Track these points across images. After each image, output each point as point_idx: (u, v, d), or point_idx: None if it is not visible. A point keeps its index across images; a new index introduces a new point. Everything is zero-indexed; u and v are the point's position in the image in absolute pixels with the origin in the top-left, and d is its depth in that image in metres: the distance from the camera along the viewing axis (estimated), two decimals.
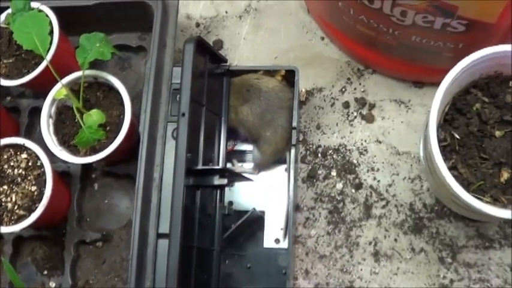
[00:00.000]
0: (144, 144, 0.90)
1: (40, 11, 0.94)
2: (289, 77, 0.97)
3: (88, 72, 0.92)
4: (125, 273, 0.99)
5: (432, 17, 0.85)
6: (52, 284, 1.00)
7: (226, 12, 1.09)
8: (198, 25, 1.06)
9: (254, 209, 0.95)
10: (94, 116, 0.90)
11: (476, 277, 0.95)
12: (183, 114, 0.86)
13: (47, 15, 0.93)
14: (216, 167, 0.91)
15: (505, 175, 0.83)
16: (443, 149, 0.83)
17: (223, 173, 0.87)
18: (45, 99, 0.97)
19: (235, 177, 0.89)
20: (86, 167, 1.00)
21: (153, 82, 0.92)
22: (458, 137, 0.84)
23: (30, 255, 1.02)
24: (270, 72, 0.97)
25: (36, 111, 1.04)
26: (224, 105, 0.95)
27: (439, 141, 0.83)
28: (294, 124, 0.93)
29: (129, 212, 1.01)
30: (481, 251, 0.95)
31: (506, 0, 0.80)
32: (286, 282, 0.93)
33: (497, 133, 0.85)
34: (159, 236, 0.88)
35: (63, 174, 0.99)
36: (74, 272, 0.97)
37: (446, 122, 0.85)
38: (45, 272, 1.01)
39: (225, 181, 0.87)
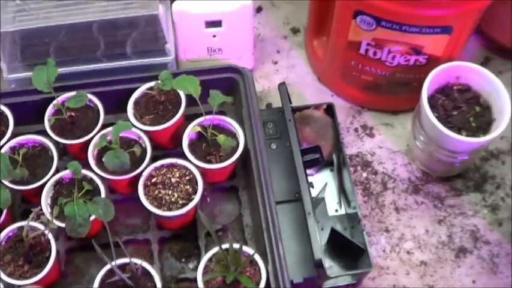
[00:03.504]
0: (257, 153, 1.38)
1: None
2: (329, 109, 1.51)
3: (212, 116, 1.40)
4: None
5: (409, 56, 1.41)
6: (191, 266, 1.39)
7: (268, 87, 1.63)
8: None
9: (326, 183, 1.43)
10: (222, 137, 1.38)
11: (458, 212, 1.48)
12: (290, 120, 1.40)
13: None
14: (312, 146, 1.40)
15: (464, 134, 1.37)
16: None
17: (316, 149, 1.40)
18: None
19: (321, 156, 1.42)
20: None
21: (253, 118, 1.40)
22: (436, 114, 1.38)
23: (169, 251, 1.40)
24: (317, 107, 1.51)
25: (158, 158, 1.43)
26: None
27: None
28: (339, 132, 1.47)
29: (235, 212, 1.44)
30: (456, 197, 1.50)
31: (448, 38, 1.36)
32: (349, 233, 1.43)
33: (454, 113, 1.40)
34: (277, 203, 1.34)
35: None
36: (231, 245, 1.28)
37: None
38: (183, 260, 1.39)
39: (318, 155, 1.40)
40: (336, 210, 1.48)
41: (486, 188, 1.53)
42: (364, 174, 1.54)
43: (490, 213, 1.50)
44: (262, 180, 1.36)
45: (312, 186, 1.46)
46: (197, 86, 1.38)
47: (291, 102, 1.48)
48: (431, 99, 1.44)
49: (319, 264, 1.27)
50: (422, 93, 1.38)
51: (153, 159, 1.42)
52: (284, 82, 1.45)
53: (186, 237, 1.43)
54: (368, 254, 1.33)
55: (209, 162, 1.39)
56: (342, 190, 1.48)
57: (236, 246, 1.27)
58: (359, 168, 1.54)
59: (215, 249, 1.30)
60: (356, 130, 1.60)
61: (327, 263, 1.41)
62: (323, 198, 1.46)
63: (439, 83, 1.44)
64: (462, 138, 1.37)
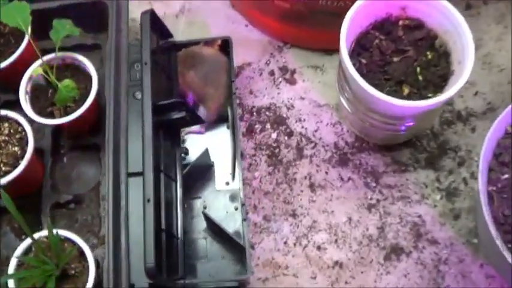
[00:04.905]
0: (111, 105, 1.08)
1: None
2: (225, 47, 1.17)
3: (59, 54, 1.10)
4: (96, 228, 1.14)
5: None
6: None
7: (164, 13, 1.31)
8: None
9: (207, 148, 1.11)
10: (67, 82, 1.08)
11: (398, 195, 1.16)
12: (146, 63, 1.05)
13: None
14: (175, 100, 1.05)
15: (406, 90, 1.06)
16: None
17: (181, 106, 1.05)
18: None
19: (191, 112, 1.06)
20: (55, 143, 1.17)
21: (114, 57, 1.13)
22: (364, 61, 1.05)
23: (8, 224, 1.16)
24: (209, 44, 1.17)
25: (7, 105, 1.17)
26: (174, 74, 1.15)
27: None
28: (233, 79, 1.14)
29: (96, 177, 1.17)
30: (398, 174, 1.18)
31: None
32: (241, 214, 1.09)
33: (395, 59, 1.07)
34: (130, 175, 1.05)
35: (36, 151, 1.11)
36: (51, 231, 1.10)
37: (353, 52, 1.07)
38: (24, 237, 1.13)
39: (183, 113, 1.05)
40: (227, 183, 1.13)
41: (444, 163, 1.19)
42: (274, 135, 1.20)
43: (444, 199, 1.16)
44: (110, 141, 1.08)
45: (186, 153, 1.12)
46: (27, 16, 1.10)
47: (170, 37, 1.12)
48: (364, 37, 1.11)
49: (151, 274, 0.91)
50: (341, 30, 1.02)
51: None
52: (151, 9, 1.07)
53: (28, 210, 1.14)
54: (246, 256, 1.01)
55: (50, 115, 1.12)
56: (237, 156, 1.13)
57: (57, 232, 1.00)
58: (268, 126, 1.21)
59: (36, 235, 1.02)
60: (272, 73, 1.26)
61: (208, 255, 1.09)
62: (211, 166, 1.15)
63: (376, 14, 1.11)
64: (395, 101, 1.01)
